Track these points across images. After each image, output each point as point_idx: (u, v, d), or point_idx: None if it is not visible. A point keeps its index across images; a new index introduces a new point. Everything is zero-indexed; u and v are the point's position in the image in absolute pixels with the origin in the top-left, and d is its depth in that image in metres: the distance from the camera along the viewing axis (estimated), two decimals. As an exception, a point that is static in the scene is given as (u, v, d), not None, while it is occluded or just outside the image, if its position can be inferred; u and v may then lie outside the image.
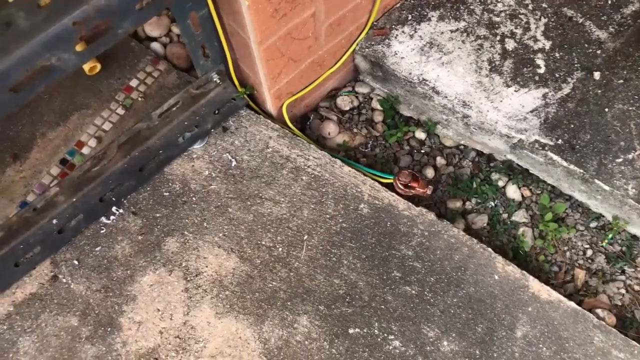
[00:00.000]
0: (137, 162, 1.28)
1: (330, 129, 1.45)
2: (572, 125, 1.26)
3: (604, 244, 1.34)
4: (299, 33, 1.15)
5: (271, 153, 1.33)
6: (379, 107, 1.48)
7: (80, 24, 0.82)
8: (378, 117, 1.48)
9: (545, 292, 1.21)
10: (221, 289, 1.21)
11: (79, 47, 0.86)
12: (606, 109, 1.27)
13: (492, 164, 1.43)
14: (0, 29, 0.76)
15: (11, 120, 1.37)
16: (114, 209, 1.26)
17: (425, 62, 1.33)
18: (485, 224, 1.37)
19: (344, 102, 1.49)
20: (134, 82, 1.40)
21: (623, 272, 1.32)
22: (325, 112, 1.49)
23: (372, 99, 1.50)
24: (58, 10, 0.80)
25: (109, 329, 1.18)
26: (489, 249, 1.25)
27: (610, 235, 1.33)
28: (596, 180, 1.22)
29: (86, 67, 1.37)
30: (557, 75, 1.31)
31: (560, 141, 1.25)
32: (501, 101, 1.29)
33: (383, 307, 1.20)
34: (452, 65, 1.33)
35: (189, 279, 1.22)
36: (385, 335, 1.17)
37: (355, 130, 1.48)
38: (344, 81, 1.51)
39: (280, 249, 1.24)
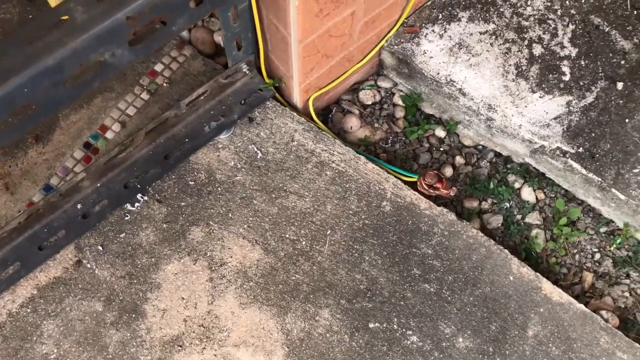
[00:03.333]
0: (163, 150, 1.27)
1: (353, 123, 1.46)
2: (593, 134, 1.29)
3: (612, 248, 1.39)
4: (337, 31, 1.14)
5: (296, 146, 1.34)
6: (401, 103, 1.49)
7: (133, 19, 0.81)
8: (399, 113, 1.49)
9: (557, 294, 1.26)
10: (245, 280, 1.22)
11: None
12: (627, 120, 1.30)
13: (509, 166, 1.46)
14: (58, 22, 0.74)
15: (31, 99, 1.34)
16: (138, 196, 1.26)
17: (453, 62, 1.34)
18: (499, 224, 1.41)
19: (367, 96, 1.49)
20: (158, 67, 1.38)
21: (628, 276, 1.37)
22: (348, 106, 1.50)
23: (394, 94, 1.51)
24: (114, 4, 0.78)
25: (134, 316, 1.19)
26: (506, 251, 1.29)
27: (619, 240, 1.38)
28: (613, 189, 1.26)
29: (110, 48, 1.34)
30: (581, 84, 1.33)
31: (581, 149, 1.28)
32: (526, 106, 1.32)
33: (402, 303, 1.23)
34: (479, 68, 1.34)
35: (213, 268, 1.23)
36: (404, 330, 1.21)
37: (376, 125, 1.49)
38: (367, 75, 1.51)
39: (303, 243, 1.26)
